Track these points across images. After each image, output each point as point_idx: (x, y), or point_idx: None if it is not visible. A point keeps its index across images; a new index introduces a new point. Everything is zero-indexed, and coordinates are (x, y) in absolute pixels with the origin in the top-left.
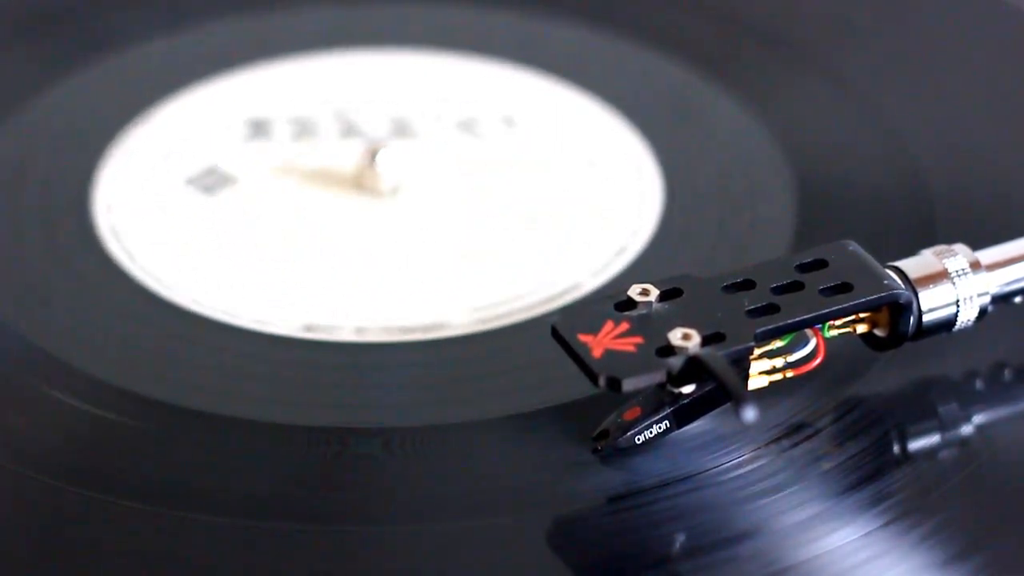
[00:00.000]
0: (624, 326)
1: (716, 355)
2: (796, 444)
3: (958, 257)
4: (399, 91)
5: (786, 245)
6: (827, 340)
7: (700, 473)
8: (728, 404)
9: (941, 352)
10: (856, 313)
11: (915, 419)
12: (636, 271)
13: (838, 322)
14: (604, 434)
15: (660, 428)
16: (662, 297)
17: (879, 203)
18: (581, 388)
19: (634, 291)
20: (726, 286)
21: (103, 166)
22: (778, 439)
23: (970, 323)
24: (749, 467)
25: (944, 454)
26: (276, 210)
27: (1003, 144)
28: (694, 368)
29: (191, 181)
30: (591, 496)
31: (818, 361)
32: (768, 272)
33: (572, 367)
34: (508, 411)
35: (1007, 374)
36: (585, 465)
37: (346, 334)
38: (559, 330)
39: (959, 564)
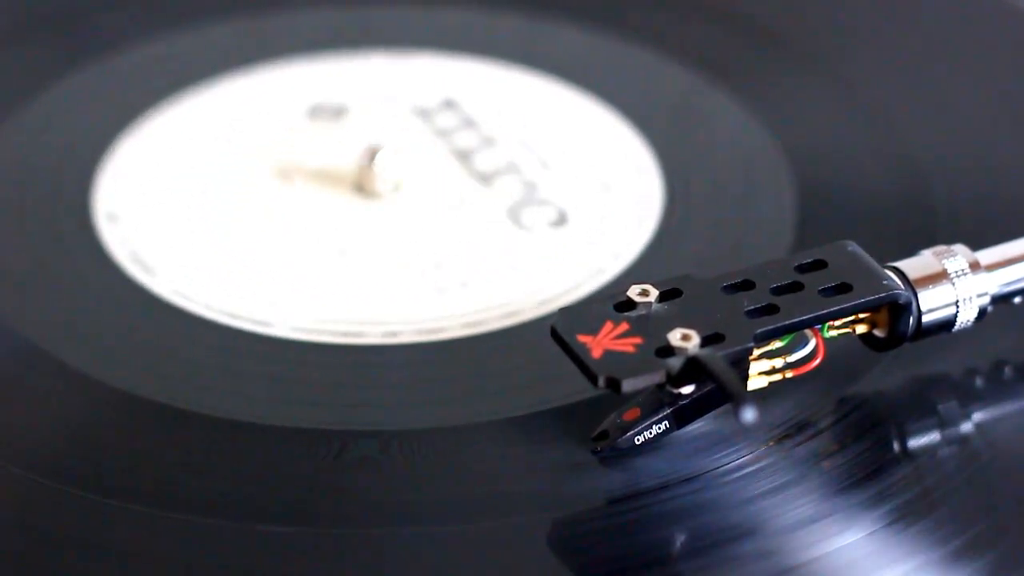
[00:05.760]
0: (623, 326)
1: (715, 356)
2: (797, 445)
3: (957, 258)
4: (397, 94)
5: (786, 246)
6: (827, 340)
7: (700, 474)
8: (728, 405)
9: (941, 351)
10: (856, 313)
11: (915, 418)
12: (636, 272)
13: (838, 322)
14: (604, 435)
15: (660, 429)
16: (661, 297)
17: (879, 203)
18: (580, 389)
19: (633, 291)
20: (725, 286)
21: (103, 167)
22: (778, 439)
23: (969, 324)
24: (749, 468)
25: (945, 453)
26: (275, 210)
27: (1003, 144)
28: (693, 368)
29: (313, 111)
30: (591, 497)
31: (818, 361)
32: (767, 273)
33: (572, 368)
34: (507, 413)
35: (1007, 372)
36: (585, 466)
37: (345, 335)
38: (558, 331)
39: (960, 563)
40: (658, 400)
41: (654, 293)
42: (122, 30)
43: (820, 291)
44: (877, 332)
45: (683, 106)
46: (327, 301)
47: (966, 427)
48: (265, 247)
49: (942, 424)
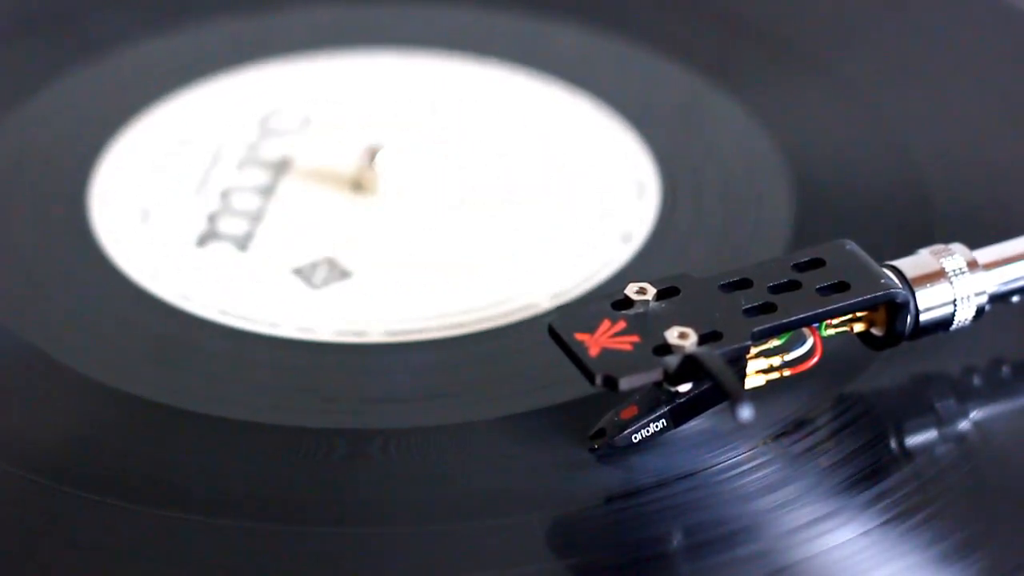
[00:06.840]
0: (621, 325)
1: (713, 354)
2: (794, 442)
3: (955, 256)
4: (396, 94)
5: (784, 245)
6: (824, 339)
7: (698, 472)
8: (725, 403)
9: (939, 349)
10: (853, 312)
11: (913, 416)
12: (634, 271)
13: (835, 321)
14: (601, 433)
15: (657, 427)
16: (659, 296)
17: (877, 202)
18: (578, 387)
19: (631, 290)
20: (723, 285)
21: (99, 166)
22: (776, 437)
23: (967, 322)
24: (746, 466)
25: (942, 451)
26: (274, 210)
27: (1001, 144)
28: (691, 367)
29: None
30: (589, 495)
31: (815, 360)
32: (765, 271)
33: (569, 366)
34: (505, 411)
35: (1005, 370)
36: (582, 464)
37: (344, 335)
38: (556, 329)
39: (957, 561)
40: (655, 398)
41: (652, 291)
42: (120, 29)
43: (818, 290)
44: (875, 331)
45: (680, 106)
46: (326, 300)
47: (963, 425)
48: (264, 247)
49: (939, 422)
